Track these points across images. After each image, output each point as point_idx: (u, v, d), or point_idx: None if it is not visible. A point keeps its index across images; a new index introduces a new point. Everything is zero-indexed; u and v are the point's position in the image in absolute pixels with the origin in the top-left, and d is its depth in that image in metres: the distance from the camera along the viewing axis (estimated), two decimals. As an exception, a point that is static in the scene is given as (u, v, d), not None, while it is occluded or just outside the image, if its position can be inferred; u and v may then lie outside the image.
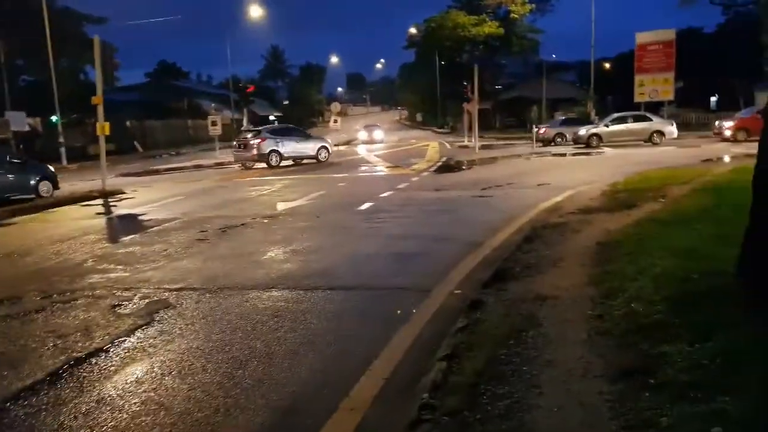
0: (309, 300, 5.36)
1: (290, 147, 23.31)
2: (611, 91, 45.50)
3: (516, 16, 42.25)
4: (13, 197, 14.19)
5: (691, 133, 31.51)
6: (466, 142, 32.90)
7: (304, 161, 23.98)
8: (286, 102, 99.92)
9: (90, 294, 5.94)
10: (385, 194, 12.47)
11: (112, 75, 47.07)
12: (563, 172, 16.17)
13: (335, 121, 42.10)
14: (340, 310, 5.10)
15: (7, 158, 14.98)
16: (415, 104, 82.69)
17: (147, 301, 5.60)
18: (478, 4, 44.22)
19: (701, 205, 7.80)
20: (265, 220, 9.90)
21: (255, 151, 22.27)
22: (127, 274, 6.74)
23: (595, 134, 25.80)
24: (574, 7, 47.09)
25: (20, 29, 28.92)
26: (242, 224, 9.55)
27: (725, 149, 20.68)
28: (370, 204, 11.04)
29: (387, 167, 20.81)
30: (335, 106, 43.35)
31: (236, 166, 24.63)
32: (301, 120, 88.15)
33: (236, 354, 4.17)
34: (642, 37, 34.59)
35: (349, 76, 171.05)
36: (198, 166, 25.95)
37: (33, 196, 14.59)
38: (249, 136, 23.43)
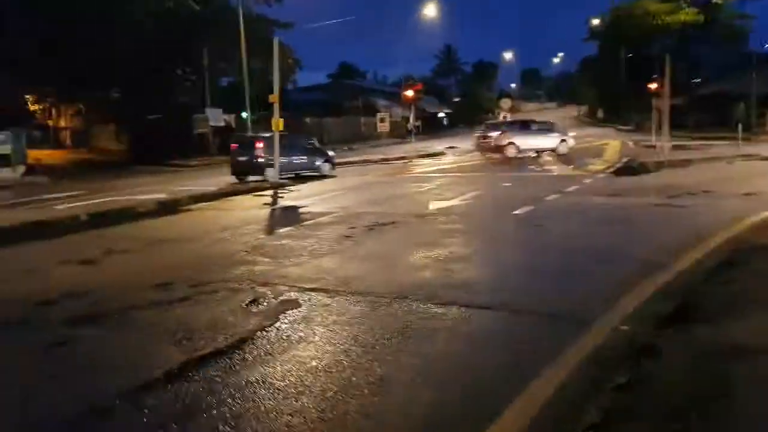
0: (442, 317, 4.73)
1: (527, 140, 25.01)
2: None
3: (720, 0, 36.64)
4: (304, 174, 18.48)
5: None
6: (653, 142, 29.39)
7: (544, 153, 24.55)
8: (457, 99, 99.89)
9: (232, 287, 5.94)
10: (549, 197, 11.31)
11: (290, 75, 50.51)
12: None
13: (504, 118, 40.70)
14: (475, 334, 4.40)
15: (304, 144, 19.51)
16: (596, 100, 77.04)
17: (280, 299, 5.44)
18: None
19: None
20: (415, 220, 9.45)
21: (493, 143, 25.05)
22: (271, 267, 6.72)
23: None
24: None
25: (221, 35, 32.24)
26: (392, 222, 9.20)
27: None
28: (530, 208, 10.00)
29: (558, 167, 19.26)
30: (505, 103, 41.79)
31: (403, 162, 25.14)
32: (470, 117, 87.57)
33: (348, 375, 3.70)
34: None
35: (523, 71, 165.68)
36: (365, 161, 26.66)
37: (317, 173, 18.79)
38: (489, 129, 27.65)
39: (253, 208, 12.59)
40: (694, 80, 53.13)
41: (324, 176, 18.70)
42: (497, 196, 12.40)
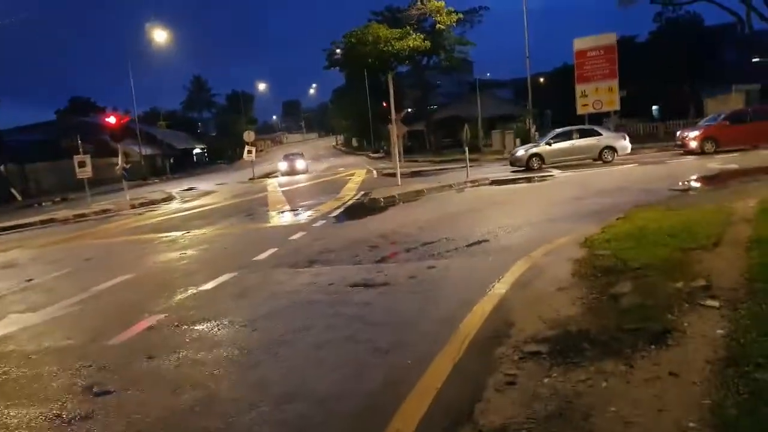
0: None
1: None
2: (549, 105, 42.59)
3: (442, 26, 38.22)
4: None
5: (642, 145, 28.13)
6: (392, 170, 28.40)
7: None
8: (213, 134, 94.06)
9: None
10: (215, 282, 7.38)
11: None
12: (506, 213, 11.63)
13: (249, 152, 37.01)
14: None
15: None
16: (349, 128, 78.55)
17: None
18: (401, 17, 40.20)
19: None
20: None
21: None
22: None
23: (536, 154, 21.59)
24: (508, 26, 44.27)
25: None
26: None
27: (700, 166, 16.84)
28: (158, 318, 5.92)
29: (282, 212, 15.80)
30: (248, 135, 37.84)
31: (104, 216, 19.57)
32: (226, 151, 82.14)
33: None
34: (580, 43, 31.34)
35: (284, 103, 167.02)
36: (48, 221, 20.14)
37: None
38: None
39: None
40: (431, 106, 56.52)
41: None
42: (142, 283, 8.07)
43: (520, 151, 22.50)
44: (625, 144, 21.70)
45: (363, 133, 67.11)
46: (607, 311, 4.38)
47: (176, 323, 5.66)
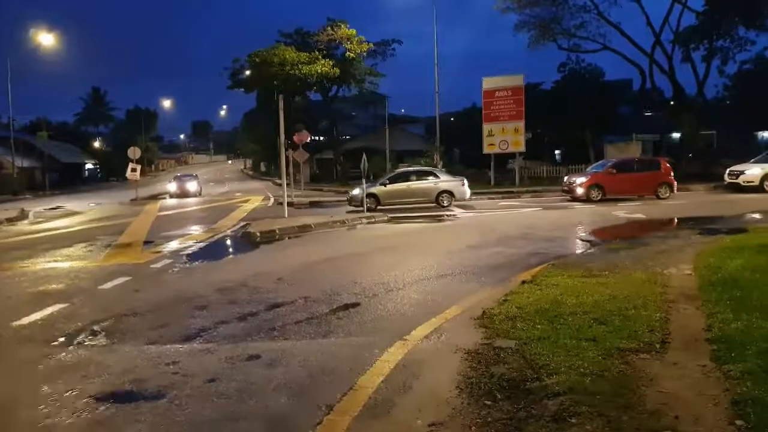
0: None
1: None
2: (458, 143, 42.14)
3: (352, 54, 36.67)
4: None
5: (547, 188, 27.42)
6: (289, 198, 25.85)
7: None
8: (109, 149, 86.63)
9: None
10: None
11: None
12: (393, 261, 9.47)
13: (133, 171, 33.11)
14: None
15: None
16: (258, 153, 75.13)
17: None
18: (311, 42, 38.25)
19: None
20: None
21: None
22: None
23: (372, 194, 19.49)
24: (424, 67, 43.66)
25: None
26: None
27: (593, 214, 15.76)
28: None
29: (129, 244, 12.78)
30: (133, 151, 33.75)
31: None
32: (121, 168, 75.66)
33: None
34: (489, 82, 30.85)
35: (194, 122, 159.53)
36: None
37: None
38: None
39: None
40: (344, 136, 54.95)
41: None
42: None
43: (357, 191, 20.25)
44: (464, 190, 20.20)
45: (272, 158, 64.15)
46: None
47: None
